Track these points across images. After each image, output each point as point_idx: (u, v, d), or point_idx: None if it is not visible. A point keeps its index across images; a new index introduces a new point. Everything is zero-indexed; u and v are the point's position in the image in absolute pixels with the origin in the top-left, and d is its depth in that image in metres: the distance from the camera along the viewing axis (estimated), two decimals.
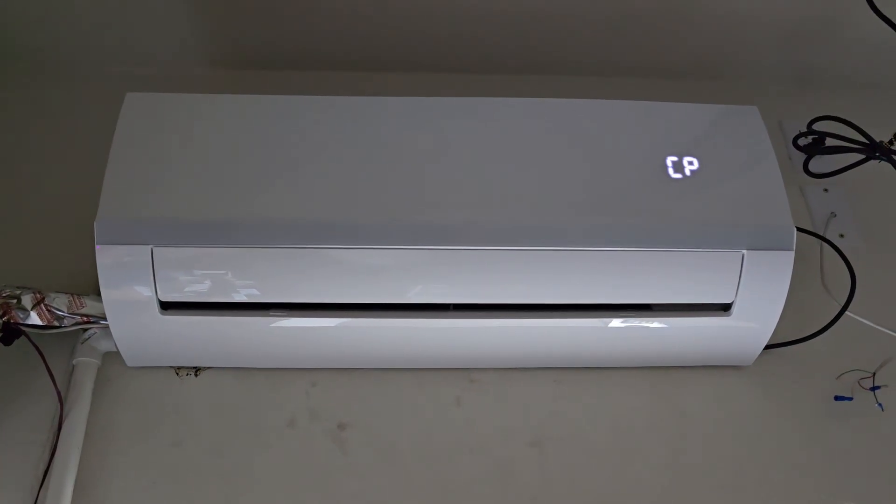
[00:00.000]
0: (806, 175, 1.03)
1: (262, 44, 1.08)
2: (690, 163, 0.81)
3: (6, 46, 1.06)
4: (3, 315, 0.79)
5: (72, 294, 0.81)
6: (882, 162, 0.93)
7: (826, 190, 1.03)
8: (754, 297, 0.80)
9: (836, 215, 1.01)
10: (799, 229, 0.83)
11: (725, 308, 0.81)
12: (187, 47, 1.08)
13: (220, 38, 1.07)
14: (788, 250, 0.78)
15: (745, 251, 0.78)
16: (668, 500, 0.80)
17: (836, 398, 0.86)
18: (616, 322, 0.81)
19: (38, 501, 0.74)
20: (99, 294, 0.78)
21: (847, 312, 0.88)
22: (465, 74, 1.10)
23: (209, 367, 0.84)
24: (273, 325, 0.79)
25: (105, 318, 0.78)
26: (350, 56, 1.09)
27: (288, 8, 1.04)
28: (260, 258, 0.75)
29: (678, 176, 0.81)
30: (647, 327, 0.82)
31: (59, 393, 0.79)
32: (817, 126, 1.00)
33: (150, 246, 0.74)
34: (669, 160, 0.81)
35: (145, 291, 0.75)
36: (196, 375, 0.84)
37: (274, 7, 1.04)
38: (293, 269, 0.76)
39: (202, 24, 1.05)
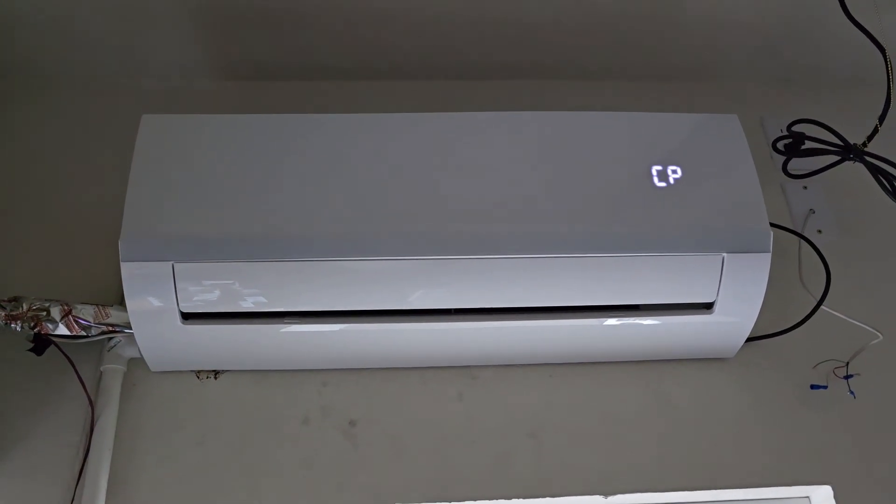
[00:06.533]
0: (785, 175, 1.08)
1: (267, 55, 1.12)
2: (674, 171, 0.86)
3: (24, 62, 1.09)
4: (34, 327, 0.84)
5: (97, 305, 0.86)
6: (856, 163, 0.98)
7: (805, 187, 1.08)
8: (734, 296, 0.86)
9: (814, 212, 1.06)
10: (778, 226, 0.88)
11: (708, 306, 0.87)
12: (194, 60, 1.12)
13: (227, 50, 1.11)
14: (765, 252, 0.84)
15: (725, 254, 0.83)
16: (657, 485, 0.86)
17: (812, 387, 0.93)
18: (607, 321, 0.87)
19: (75, 499, 0.80)
20: (122, 304, 0.84)
21: (822, 306, 0.94)
22: (456, 81, 1.14)
23: (228, 371, 0.90)
24: (286, 330, 0.85)
25: (128, 327, 0.84)
26: (354, 65, 1.13)
27: (290, 21, 1.07)
28: (273, 271, 0.81)
29: (663, 184, 0.86)
30: (636, 325, 0.88)
31: (89, 398, 0.85)
32: (796, 128, 1.04)
33: (171, 262, 0.79)
34: (654, 169, 0.86)
35: (167, 303, 0.81)
36: (216, 378, 0.90)
37: (278, 20, 1.07)
38: (304, 279, 0.82)
39: (208, 38, 1.09)
